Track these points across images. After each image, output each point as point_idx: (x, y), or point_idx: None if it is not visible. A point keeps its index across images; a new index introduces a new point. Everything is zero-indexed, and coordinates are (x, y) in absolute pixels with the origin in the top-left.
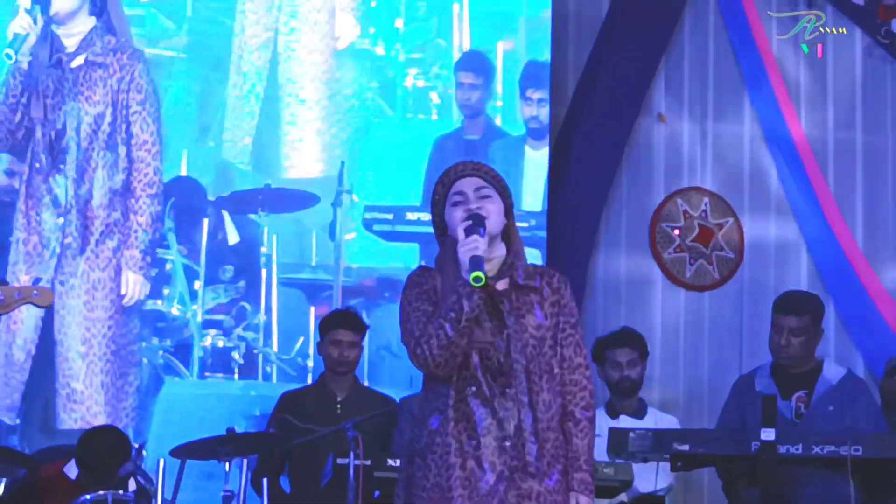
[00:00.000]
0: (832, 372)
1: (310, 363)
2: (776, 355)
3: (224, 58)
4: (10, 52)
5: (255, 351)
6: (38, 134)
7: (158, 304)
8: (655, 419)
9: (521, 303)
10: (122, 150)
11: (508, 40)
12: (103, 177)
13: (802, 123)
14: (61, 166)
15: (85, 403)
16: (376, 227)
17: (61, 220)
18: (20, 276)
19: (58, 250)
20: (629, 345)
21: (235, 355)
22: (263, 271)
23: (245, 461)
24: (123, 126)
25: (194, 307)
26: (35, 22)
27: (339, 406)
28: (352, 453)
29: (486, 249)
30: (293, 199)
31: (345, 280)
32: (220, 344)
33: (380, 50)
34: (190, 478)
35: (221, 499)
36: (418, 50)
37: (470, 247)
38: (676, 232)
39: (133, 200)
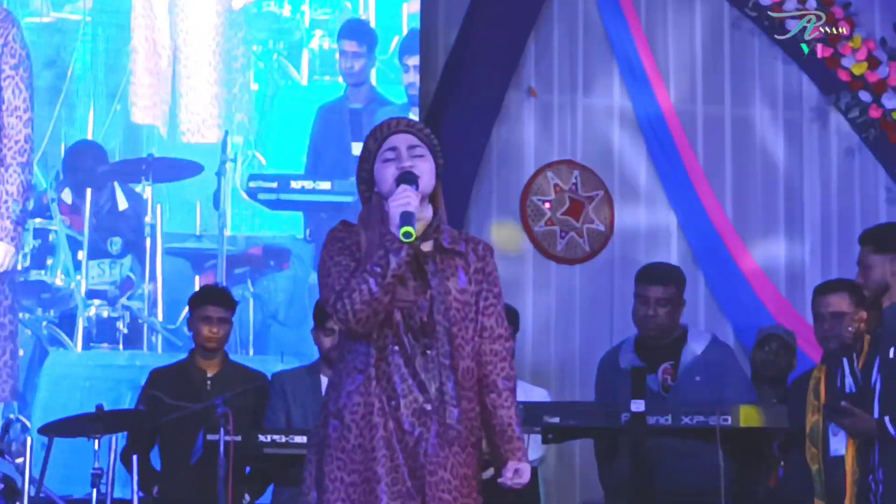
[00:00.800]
0: (697, 340)
1: None
2: (642, 327)
3: (128, 21)
4: None
5: (140, 321)
6: None
7: (42, 275)
8: (525, 392)
9: (445, 265)
10: None
11: (414, 2)
12: None
13: (671, 96)
14: None
15: None
16: (261, 196)
17: None
18: None
19: None
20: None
21: (120, 325)
22: (148, 241)
23: (114, 438)
24: None
25: (78, 277)
26: None
27: (209, 382)
28: (222, 429)
29: (418, 207)
30: (177, 169)
31: (229, 249)
32: (105, 314)
33: (286, 11)
34: (59, 455)
35: (90, 476)
36: (324, 12)
37: (402, 202)
38: (547, 205)
39: (2, 169)
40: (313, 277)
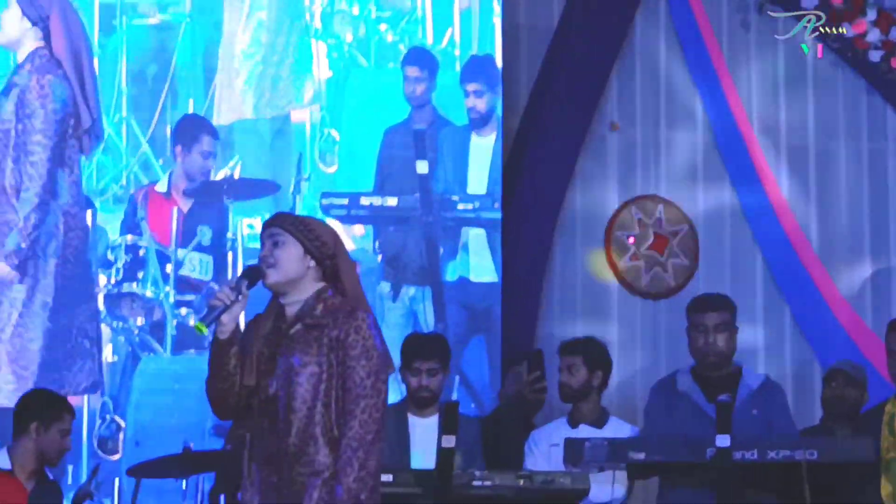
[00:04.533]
0: (752, 377)
1: None
2: (701, 357)
3: (222, 20)
4: None
5: None
6: None
7: (133, 287)
8: (615, 428)
9: (301, 341)
10: None
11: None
12: None
13: (755, 128)
14: None
15: None
16: (333, 212)
17: None
18: None
19: None
20: (574, 352)
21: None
22: (230, 255)
23: (202, 478)
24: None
25: (167, 289)
26: None
27: None
28: None
29: (233, 302)
30: (255, 188)
31: None
32: (192, 322)
33: (356, 10)
34: (146, 495)
35: None
36: (388, 9)
37: (213, 300)
38: (631, 240)
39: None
40: (382, 286)
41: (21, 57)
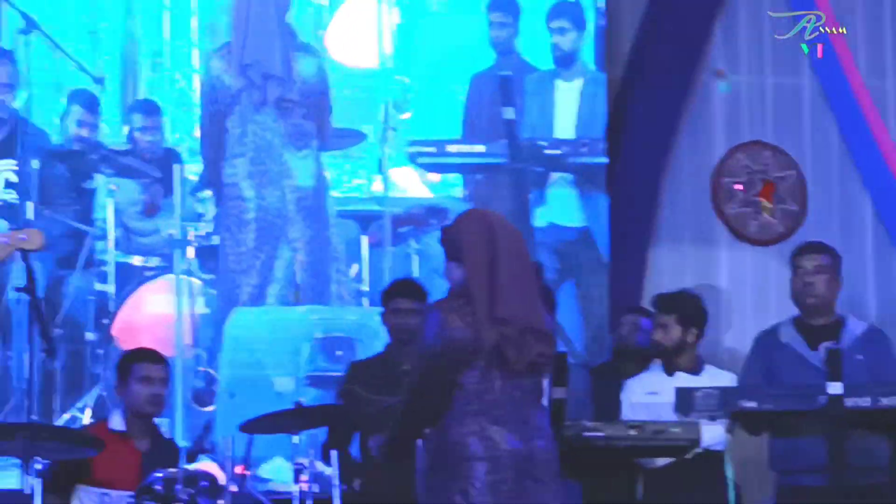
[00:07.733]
0: (856, 325)
1: (364, 287)
2: (801, 300)
3: None
4: None
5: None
6: None
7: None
8: (712, 376)
9: None
10: None
11: None
12: None
13: (861, 72)
14: None
15: None
16: (420, 160)
17: None
18: None
19: None
20: (667, 310)
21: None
22: None
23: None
24: None
25: None
26: None
27: (405, 375)
28: None
29: None
30: (343, 138)
31: (394, 210)
32: None
33: None
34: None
35: (293, 472)
36: None
37: None
38: (739, 187)
39: None
40: None
41: None
